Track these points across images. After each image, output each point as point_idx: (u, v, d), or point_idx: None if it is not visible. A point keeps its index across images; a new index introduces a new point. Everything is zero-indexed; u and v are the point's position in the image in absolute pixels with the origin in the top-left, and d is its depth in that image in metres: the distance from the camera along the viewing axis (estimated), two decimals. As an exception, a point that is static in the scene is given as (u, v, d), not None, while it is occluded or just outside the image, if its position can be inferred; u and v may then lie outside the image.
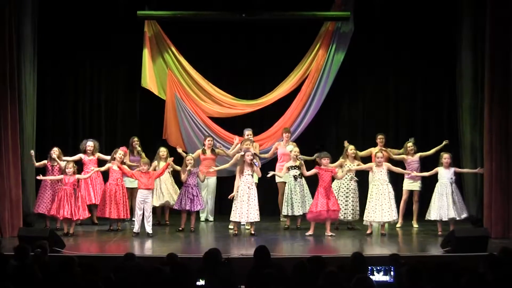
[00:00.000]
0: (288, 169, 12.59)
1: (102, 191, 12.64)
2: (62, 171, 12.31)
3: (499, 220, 11.85)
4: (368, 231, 12.08)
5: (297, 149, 12.70)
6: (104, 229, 12.57)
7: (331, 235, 11.92)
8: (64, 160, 12.64)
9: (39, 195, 12.75)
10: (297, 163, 12.46)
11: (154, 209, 12.62)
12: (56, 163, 12.61)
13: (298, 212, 12.63)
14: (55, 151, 12.68)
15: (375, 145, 13.25)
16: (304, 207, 12.58)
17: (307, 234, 12.01)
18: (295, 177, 12.56)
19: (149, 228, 11.90)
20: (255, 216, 12.01)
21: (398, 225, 12.92)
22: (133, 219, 13.23)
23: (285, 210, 12.74)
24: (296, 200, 12.57)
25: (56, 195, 12.18)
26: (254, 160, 12.07)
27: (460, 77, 13.60)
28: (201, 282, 6.87)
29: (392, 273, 7.44)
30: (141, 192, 11.99)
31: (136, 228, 11.91)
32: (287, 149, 13.08)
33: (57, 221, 12.36)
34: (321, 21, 14.55)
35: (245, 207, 11.95)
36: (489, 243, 10.28)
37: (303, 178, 12.66)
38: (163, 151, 13.28)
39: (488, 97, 12.05)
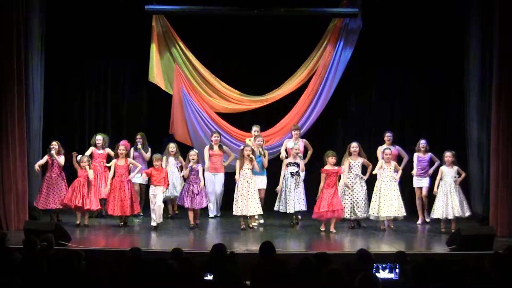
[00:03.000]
0: (287, 165, 12.53)
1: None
2: (77, 163, 12.40)
3: (505, 219, 11.83)
4: (382, 227, 12.20)
5: (297, 146, 12.65)
6: (112, 223, 12.55)
7: (332, 231, 11.96)
8: (63, 154, 12.58)
9: (43, 191, 12.56)
10: (297, 160, 12.44)
11: (165, 202, 12.67)
12: (54, 158, 12.48)
13: (290, 209, 12.36)
14: (54, 146, 12.52)
15: (382, 142, 13.24)
16: (299, 205, 12.37)
17: (322, 229, 12.07)
18: (292, 174, 12.41)
19: (154, 222, 11.95)
20: (254, 209, 12.06)
21: (422, 222, 13.06)
22: (140, 214, 13.23)
23: (276, 207, 12.58)
24: (289, 197, 12.32)
25: (70, 185, 12.33)
26: (251, 155, 12.13)
27: (467, 75, 13.56)
28: (209, 277, 6.87)
29: (397, 270, 7.43)
30: (151, 187, 12.16)
31: (153, 221, 12.03)
32: (288, 145, 13.06)
33: (58, 215, 12.36)
34: (329, 18, 14.54)
35: (245, 201, 12.01)
36: (494, 242, 10.25)
37: (300, 176, 12.56)
38: (172, 146, 13.33)
39: (496, 95, 12.02)
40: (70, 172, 12.80)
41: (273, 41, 14.65)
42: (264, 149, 13.13)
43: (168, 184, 12.43)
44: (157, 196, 12.03)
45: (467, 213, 12.07)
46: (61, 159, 12.50)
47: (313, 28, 14.58)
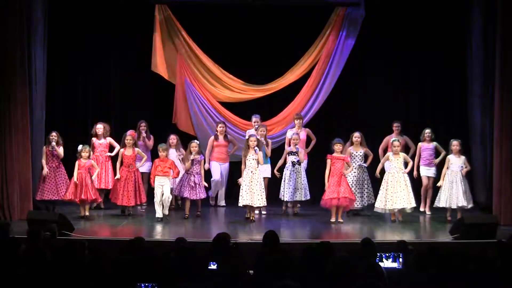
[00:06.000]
0: (288, 154, 12.54)
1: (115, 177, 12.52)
2: (77, 155, 12.17)
3: (508, 207, 11.82)
4: (392, 218, 12.01)
5: (296, 136, 12.63)
6: (115, 213, 12.54)
7: (340, 221, 11.89)
8: (62, 145, 12.50)
9: (39, 182, 12.47)
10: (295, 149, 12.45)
11: None
12: (54, 149, 12.39)
13: (288, 198, 12.45)
14: (54, 137, 12.40)
15: (387, 132, 13.20)
16: (300, 194, 12.46)
17: (331, 220, 11.94)
18: (292, 163, 12.44)
19: (160, 213, 11.90)
20: (258, 200, 11.98)
21: (424, 210, 13.00)
22: (143, 205, 13.07)
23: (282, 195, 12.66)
24: (289, 186, 12.41)
25: (71, 179, 12.09)
26: (256, 147, 12.09)
27: (470, 64, 13.53)
28: (213, 266, 6.87)
29: (400, 259, 7.42)
30: (157, 178, 12.00)
31: (158, 213, 11.93)
32: (287, 135, 13.06)
33: (54, 207, 12.35)
34: (332, 7, 14.51)
35: (249, 192, 11.96)
36: (498, 230, 10.26)
37: (301, 165, 12.55)
38: (172, 138, 13.26)
39: (499, 84, 11.98)
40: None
41: (276, 31, 14.62)
42: (267, 138, 13.12)
43: (179, 172, 12.34)
44: (164, 187, 11.96)
45: (470, 205, 11.99)
46: (61, 150, 12.43)
47: (316, 18, 14.54)
